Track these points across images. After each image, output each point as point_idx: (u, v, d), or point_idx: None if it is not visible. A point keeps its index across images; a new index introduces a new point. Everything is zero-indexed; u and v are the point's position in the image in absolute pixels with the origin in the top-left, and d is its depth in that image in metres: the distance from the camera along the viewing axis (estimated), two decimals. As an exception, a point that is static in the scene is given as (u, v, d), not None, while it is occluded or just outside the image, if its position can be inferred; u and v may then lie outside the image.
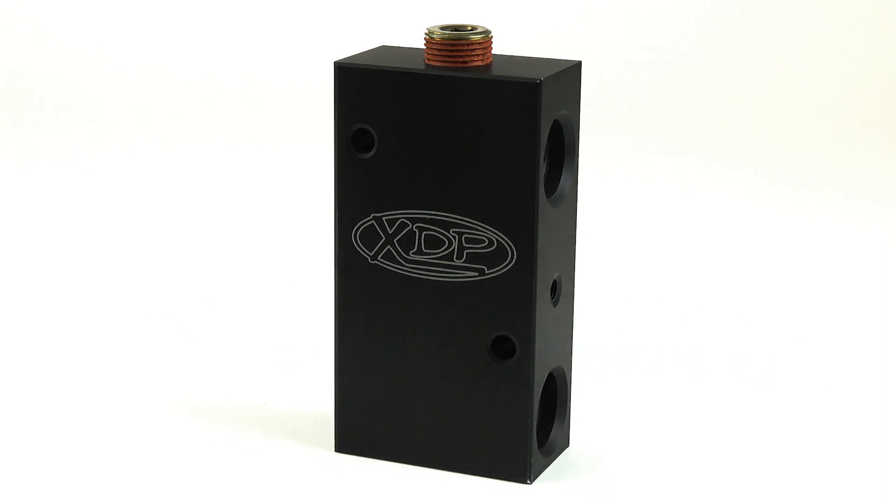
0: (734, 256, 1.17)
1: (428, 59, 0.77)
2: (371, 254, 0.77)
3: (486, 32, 0.76)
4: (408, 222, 0.77)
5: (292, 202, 1.29)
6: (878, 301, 1.07)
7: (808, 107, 1.58)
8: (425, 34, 0.77)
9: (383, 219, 0.77)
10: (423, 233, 0.77)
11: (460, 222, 0.76)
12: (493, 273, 0.76)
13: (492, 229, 0.76)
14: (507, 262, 0.76)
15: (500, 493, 0.78)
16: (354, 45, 1.54)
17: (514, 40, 1.52)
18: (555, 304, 0.78)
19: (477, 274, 0.77)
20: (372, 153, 0.76)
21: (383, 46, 0.80)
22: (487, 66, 0.76)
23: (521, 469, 0.78)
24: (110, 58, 1.59)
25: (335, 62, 0.76)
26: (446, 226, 0.76)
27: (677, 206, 1.30)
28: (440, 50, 0.76)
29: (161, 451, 0.81)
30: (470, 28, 0.77)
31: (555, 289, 0.78)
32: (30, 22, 1.61)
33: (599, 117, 1.50)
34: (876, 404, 0.89)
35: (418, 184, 0.76)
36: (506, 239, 0.76)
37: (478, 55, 0.76)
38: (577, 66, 0.78)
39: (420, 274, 0.77)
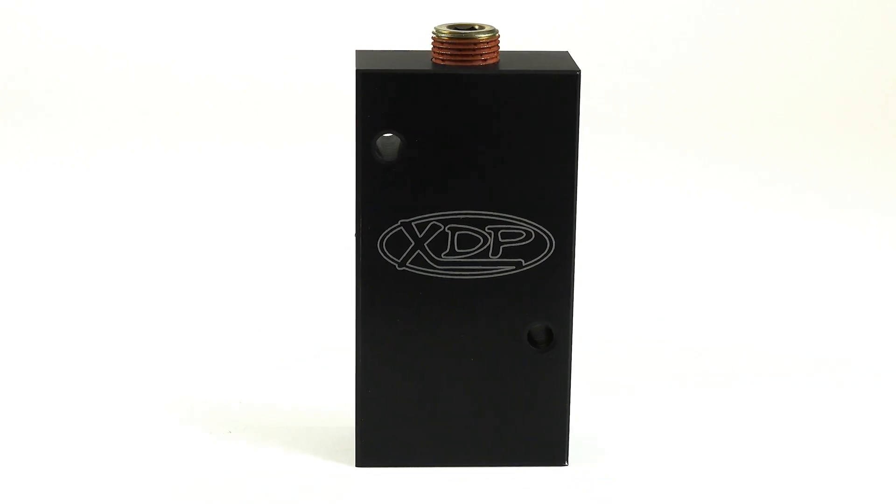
0: (734, 256, 1.17)
1: (437, 59, 0.76)
2: (399, 260, 0.77)
3: (495, 31, 0.77)
4: (439, 224, 0.76)
5: (293, 203, 1.28)
6: (877, 301, 1.07)
7: (808, 107, 1.58)
8: (432, 34, 0.77)
9: (412, 224, 0.76)
10: (457, 233, 0.77)
11: (496, 218, 0.77)
12: (530, 265, 0.77)
13: (530, 222, 0.77)
14: (545, 252, 0.77)
15: (540, 479, 0.79)
16: (354, 45, 1.54)
17: (510, 40, 1.52)
18: None
19: (514, 267, 0.77)
20: (398, 159, 0.76)
21: (360, 50, 0.79)
22: (496, 64, 0.76)
23: (559, 452, 0.80)
24: (110, 58, 1.59)
25: (357, 69, 0.75)
26: (481, 223, 0.77)
27: (677, 206, 1.30)
28: (460, 49, 0.76)
29: (169, 463, 0.81)
30: (477, 27, 0.77)
31: None
32: (30, 22, 1.61)
33: (599, 117, 1.50)
34: (875, 404, 0.89)
35: (450, 185, 0.76)
36: (544, 230, 0.77)
37: (494, 52, 0.77)
38: (567, 55, 0.79)
39: (452, 274, 0.77)
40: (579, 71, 0.75)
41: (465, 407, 0.79)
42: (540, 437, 0.80)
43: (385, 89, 0.75)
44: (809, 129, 1.54)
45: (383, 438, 0.79)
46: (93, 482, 0.78)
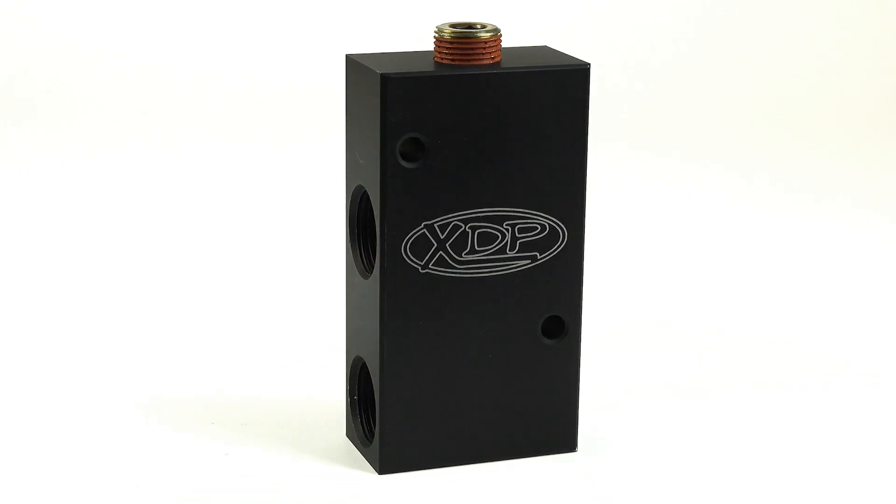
0: (734, 256, 1.17)
1: (442, 59, 0.77)
2: (422, 263, 0.77)
3: (497, 30, 0.77)
4: (461, 224, 0.77)
5: (293, 203, 1.28)
6: (877, 300, 1.07)
7: (808, 107, 1.58)
8: (435, 33, 0.77)
9: (435, 225, 0.76)
10: (477, 231, 0.77)
11: (513, 214, 0.77)
12: (545, 257, 0.78)
13: (544, 215, 0.78)
14: (558, 244, 0.78)
15: (544, 474, 0.80)
16: (353, 45, 1.54)
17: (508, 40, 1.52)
18: None
19: (529, 261, 0.78)
20: (422, 161, 0.76)
21: (350, 55, 0.79)
22: (500, 62, 0.77)
23: (570, 439, 0.81)
24: (110, 58, 1.59)
25: (381, 74, 0.75)
26: (499, 220, 0.77)
27: (677, 207, 1.30)
28: (471, 48, 0.76)
29: (175, 471, 0.79)
30: (479, 25, 0.77)
31: None
32: (30, 22, 1.61)
33: (599, 118, 1.50)
34: (877, 405, 0.89)
35: (471, 183, 0.76)
36: (557, 222, 0.78)
37: (498, 50, 0.77)
38: (549, 49, 0.81)
39: (473, 273, 0.78)
40: (589, 64, 0.77)
41: (482, 403, 0.79)
42: (551, 426, 0.81)
43: (410, 92, 0.75)
44: (809, 130, 1.54)
45: (404, 443, 0.79)
46: (89, 487, 0.78)
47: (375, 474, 0.79)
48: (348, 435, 0.83)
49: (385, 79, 0.74)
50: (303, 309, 1.03)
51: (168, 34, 1.61)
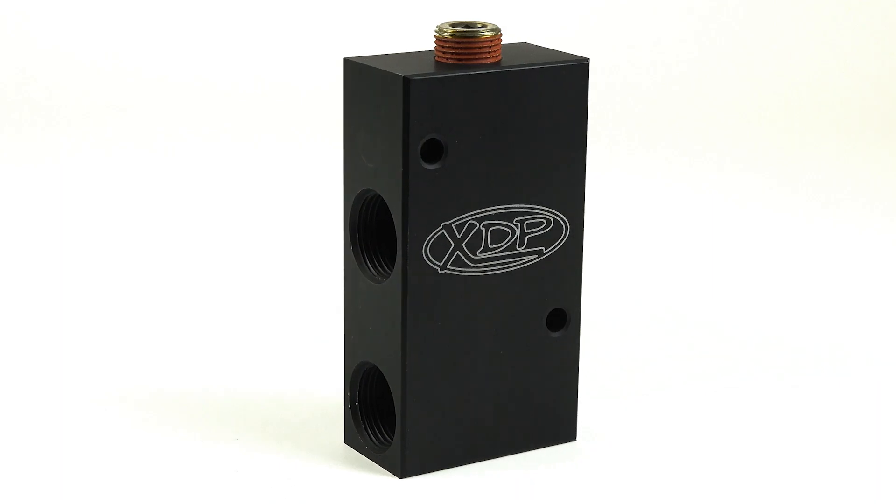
0: (733, 250, 1.18)
1: (447, 59, 0.77)
2: (440, 264, 0.77)
3: (497, 28, 0.78)
4: (475, 223, 0.77)
5: (290, 205, 1.28)
6: (877, 300, 1.07)
7: (808, 105, 1.57)
8: (436, 33, 0.78)
9: (452, 225, 0.77)
10: (490, 229, 0.78)
11: (523, 210, 0.78)
12: (550, 251, 0.79)
13: (549, 209, 0.79)
14: (562, 237, 0.80)
15: (554, 458, 0.81)
16: (356, 44, 1.54)
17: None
18: None
19: (536, 256, 0.79)
20: (441, 162, 0.76)
21: (349, 58, 0.78)
22: (500, 61, 0.78)
23: (571, 429, 0.82)
24: (109, 59, 1.59)
25: (404, 77, 0.74)
26: (510, 217, 0.78)
27: (677, 207, 1.30)
28: (477, 47, 0.77)
29: (183, 478, 0.79)
30: (480, 25, 0.78)
31: None
32: (27, 23, 1.60)
33: (599, 117, 1.50)
34: (876, 400, 0.90)
35: (485, 182, 0.77)
36: (561, 215, 0.79)
37: (500, 49, 0.78)
38: (530, 45, 0.81)
39: (486, 270, 0.78)
40: (588, 59, 0.78)
41: (493, 399, 0.80)
42: (552, 417, 0.82)
43: (431, 94, 0.75)
44: (810, 127, 1.53)
45: (424, 446, 0.79)
46: (89, 488, 0.77)
47: (393, 478, 0.79)
48: (348, 442, 0.82)
49: (408, 81, 0.74)
50: (301, 312, 1.03)
51: (168, 35, 1.61)
